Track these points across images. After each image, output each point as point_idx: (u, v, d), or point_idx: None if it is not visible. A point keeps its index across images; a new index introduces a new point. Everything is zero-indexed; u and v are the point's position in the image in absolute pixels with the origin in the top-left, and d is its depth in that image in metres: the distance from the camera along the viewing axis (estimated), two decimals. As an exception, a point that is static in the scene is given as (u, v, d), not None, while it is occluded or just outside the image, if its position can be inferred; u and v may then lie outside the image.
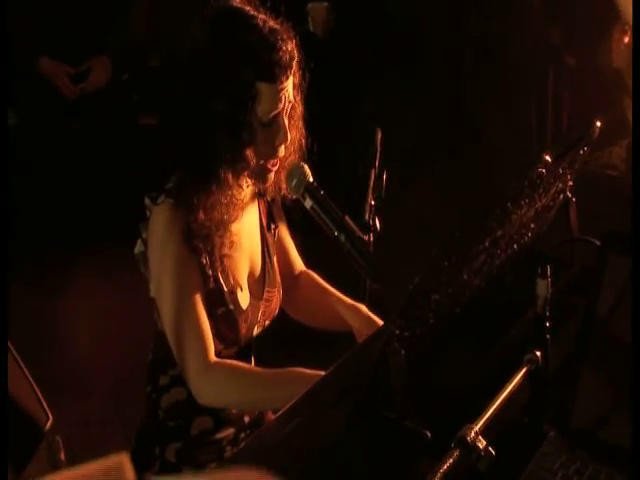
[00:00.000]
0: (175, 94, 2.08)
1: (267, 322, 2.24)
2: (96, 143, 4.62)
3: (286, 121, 2.04)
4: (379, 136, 2.60)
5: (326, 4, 4.88)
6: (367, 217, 2.40)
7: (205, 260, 2.03)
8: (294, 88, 2.04)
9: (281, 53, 1.96)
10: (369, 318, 2.22)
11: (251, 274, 2.19)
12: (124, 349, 3.77)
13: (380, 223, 2.41)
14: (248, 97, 1.94)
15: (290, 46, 1.99)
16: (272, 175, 2.09)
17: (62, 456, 2.14)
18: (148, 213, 2.04)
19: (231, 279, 2.10)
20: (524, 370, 1.70)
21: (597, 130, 2.23)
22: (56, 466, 2.12)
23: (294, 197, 2.10)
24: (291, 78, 2.01)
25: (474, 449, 1.49)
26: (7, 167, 2.52)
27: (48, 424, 2.11)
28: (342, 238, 1.95)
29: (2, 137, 2.75)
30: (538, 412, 1.79)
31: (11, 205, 3.84)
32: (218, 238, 2.03)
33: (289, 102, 2.03)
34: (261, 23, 1.98)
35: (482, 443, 1.51)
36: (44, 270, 4.41)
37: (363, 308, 2.27)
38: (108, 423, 3.69)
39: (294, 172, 2.04)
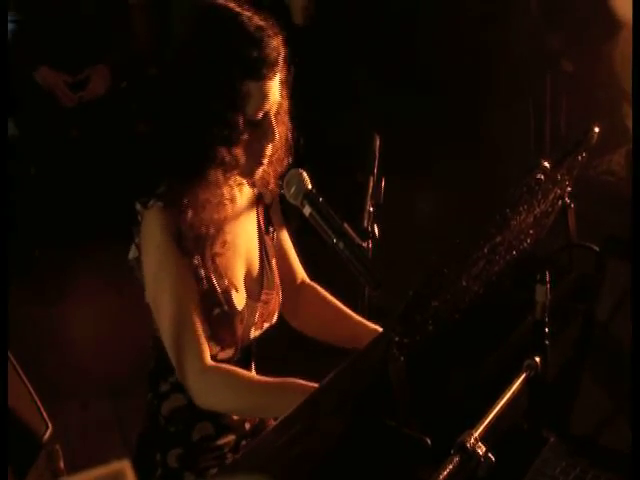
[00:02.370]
0: (164, 96, 2.08)
1: (266, 324, 2.23)
2: (95, 151, 4.63)
3: (273, 119, 2.04)
4: (377, 143, 2.60)
5: None
6: (366, 224, 2.39)
7: (197, 261, 2.03)
8: (280, 84, 2.04)
9: (268, 50, 1.95)
10: None
11: (248, 275, 2.18)
12: (122, 355, 3.77)
13: (379, 230, 2.41)
14: (237, 97, 1.94)
15: (276, 42, 1.98)
16: (260, 171, 2.09)
17: (61, 465, 2.14)
18: (140, 218, 2.04)
19: (225, 280, 2.09)
20: (523, 376, 1.70)
21: (595, 136, 2.23)
22: (55, 475, 2.11)
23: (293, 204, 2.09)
24: (278, 75, 2.01)
25: (474, 455, 1.49)
26: (6, 173, 2.51)
27: (47, 433, 2.11)
28: (341, 245, 1.94)
29: (2, 142, 2.74)
30: (538, 418, 1.79)
31: (10, 211, 3.84)
32: (209, 237, 2.03)
33: (276, 100, 2.03)
34: (246, 20, 1.97)
35: (482, 449, 1.50)
36: (42, 276, 4.42)
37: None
38: (107, 430, 3.68)
39: (293, 179, 2.03)
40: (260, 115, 2.00)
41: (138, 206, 2.04)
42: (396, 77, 5.05)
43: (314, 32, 4.64)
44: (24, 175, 4.54)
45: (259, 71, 1.95)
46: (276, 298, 2.25)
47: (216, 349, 2.08)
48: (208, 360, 2.01)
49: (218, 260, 2.08)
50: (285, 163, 2.15)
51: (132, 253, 2.10)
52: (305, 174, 2.04)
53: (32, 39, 4.44)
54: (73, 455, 2.32)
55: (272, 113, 2.03)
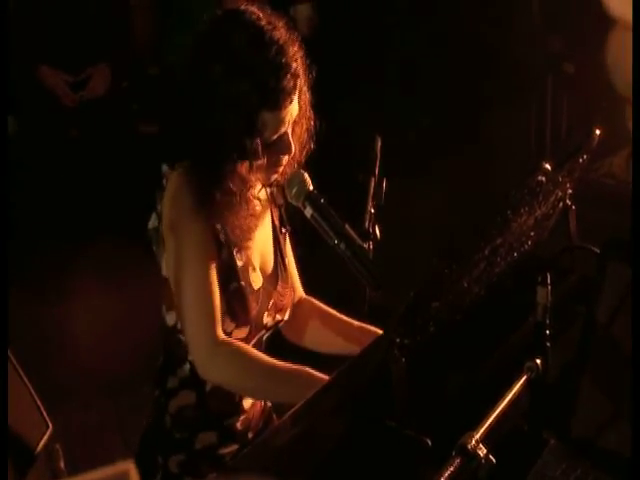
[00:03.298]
0: (178, 116, 2.05)
1: (278, 317, 2.22)
2: (95, 151, 4.63)
3: (290, 132, 2.02)
4: (379, 144, 2.60)
5: (309, 3, 4.89)
6: (367, 225, 2.39)
7: (219, 227, 2.01)
8: (299, 90, 1.99)
9: (287, 80, 1.92)
10: None
11: (262, 270, 2.17)
12: (123, 355, 3.78)
13: (380, 231, 2.41)
14: (253, 125, 1.92)
15: (295, 65, 1.94)
16: (275, 176, 2.09)
17: (62, 465, 2.14)
18: (165, 181, 2.02)
19: (243, 255, 2.07)
20: (524, 378, 1.70)
21: (596, 138, 2.23)
22: (56, 475, 2.12)
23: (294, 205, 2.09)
24: (296, 96, 1.98)
25: (475, 457, 1.49)
26: (7, 173, 2.51)
27: (48, 433, 2.11)
28: (342, 246, 1.95)
29: (2, 143, 2.74)
30: (538, 420, 1.79)
31: (11, 211, 3.83)
32: (232, 214, 2.01)
33: (294, 118, 2.00)
34: (269, 42, 1.91)
35: (483, 451, 1.50)
36: (43, 276, 4.42)
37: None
38: (107, 430, 3.68)
39: (294, 180, 2.03)
40: (276, 137, 1.98)
41: (165, 168, 2.01)
42: (397, 78, 5.05)
43: (319, 43, 4.64)
44: (24, 175, 4.53)
45: (276, 101, 1.92)
46: (290, 294, 2.24)
47: (231, 326, 2.06)
48: (221, 333, 1.98)
49: (240, 242, 2.06)
50: (307, 151, 2.12)
51: (152, 222, 2.07)
52: (306, 175, 2.04)
53: (33, 38, 4.44)
54: (73, 455, 2.32)
55: (289, 130, 2.01)
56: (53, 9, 4.46)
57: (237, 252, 2.06)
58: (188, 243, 1.97)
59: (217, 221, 2.00)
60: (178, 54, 4.80)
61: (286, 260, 2.26)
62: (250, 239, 2.08)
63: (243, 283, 2.06)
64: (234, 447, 2.20)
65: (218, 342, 1.97)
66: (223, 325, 2.03)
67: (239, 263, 2.06)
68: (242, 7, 1.98)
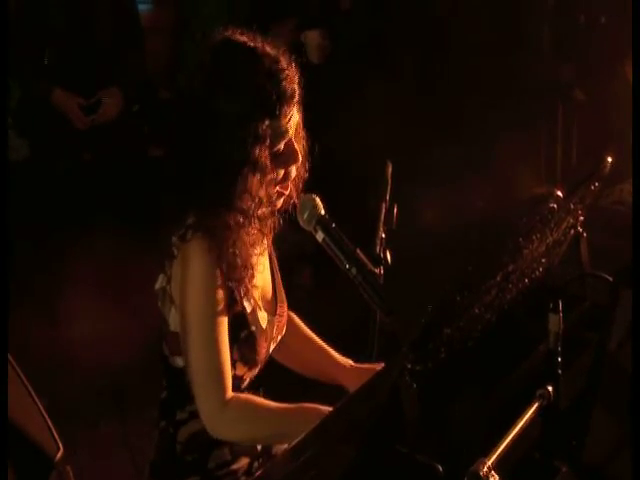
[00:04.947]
0: (184, 139, 2.06)
1: (279, 337, 2.25)
2: (106, 174, 4.63)
3: (295, 143, 2.04)
4: (390, 170, 2.61)
5: (319, 30, 4.88)
6: (378, 250, 2.40)
7: (233, 286, 2.03)
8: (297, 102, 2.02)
9: (285, 85, 1.95)
10: (360, 374, 2.24)
11: (264, 293, 2.20)
12: (132, 374, 3.78)
13: (391, 256, 2.41)
14: (260, 138, 1.93)
15: (292, 71, 1.98)
16: (282, 200, 2.09)
17: (72, 486, 2.13)
18: (176, 251, 2.03)
19: (252, 300, 2.10)
20: (536, 405, 1.70)
21: (608, 166, 2.24)
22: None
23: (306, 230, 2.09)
24: (296, 101, 2.00)
25: (487, 484, 1.49)
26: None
27: (59, 454, 2.10)
28: (353, 271, 1.95)
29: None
30: (550, 447, 1.78)
31: (22, 232, 3.85)
32: (245, 269, 2.03)
33: (295, 124, 2.03)
34: (261, 55, 1.96)
35: (495, 478, 1.50)
36: (51, 298, 4.42)
37: (351, 363, 2.34)
38: (115, 452, 3.68)
39: (306, 205, 2.04)
40: (282, 146, 2.00)
41: (174, 239, 2.02)
42: (410, 105, 5.06)
43: (330, 70, 4.61)
44: (36, 198, 4.54)
45: (280, 109, 1.94)
46: (285, 309, 2.28)
47: (244, 370, 2.09)
48: (228, 395, 2.01)
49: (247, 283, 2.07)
50: (304, 174, 2.13)
51: (159, 283, 2.09)
52: (318, 200, 2.05)
53: (45, 61, 4.46)
54: (82, 475, 2.31)
55: (293, 137, 2.03)
56: (65, 32, 4.48)
57: (245, 298, 2.07)
58: (206, 312, 1.99)
59: (232, 280, 2.01)
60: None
61: (279, 274, 2.29)
62: (253, 272, 2.08)
63: (253, 328, 2.09)
64: (245, 461, 2.21)
65: (226, 402, 2.00)
66: (236, 371, 2.08)
67: (248, 310, 2.08)
68: (229, 34, 2.02)
